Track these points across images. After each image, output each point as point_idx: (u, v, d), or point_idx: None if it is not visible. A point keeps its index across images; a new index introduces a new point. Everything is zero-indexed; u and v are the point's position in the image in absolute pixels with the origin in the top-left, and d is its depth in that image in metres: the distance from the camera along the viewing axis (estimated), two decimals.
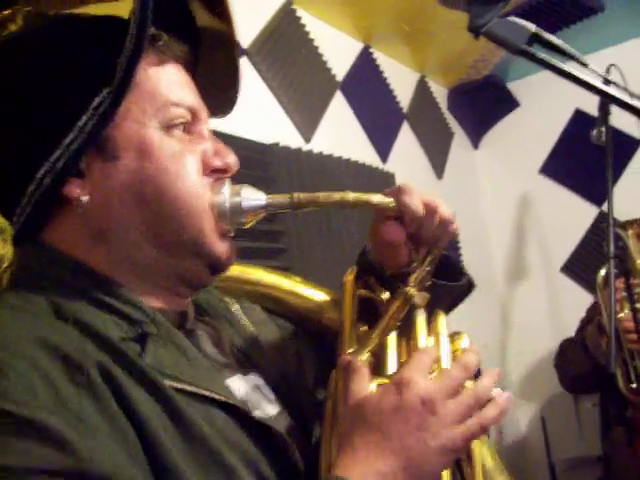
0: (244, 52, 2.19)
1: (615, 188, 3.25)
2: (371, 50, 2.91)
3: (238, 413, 0.71)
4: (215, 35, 0.80)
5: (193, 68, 0.80)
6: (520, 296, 3.55)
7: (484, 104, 3.70)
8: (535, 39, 1.08)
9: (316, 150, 2.34)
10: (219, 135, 1.91)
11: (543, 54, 1.09)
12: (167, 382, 0.67)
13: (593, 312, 2.55)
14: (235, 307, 0.87)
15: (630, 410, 2.30)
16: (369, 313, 0.85)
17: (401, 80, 3.11)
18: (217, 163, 0.77)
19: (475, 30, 1.04)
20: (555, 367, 2.64)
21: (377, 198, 0.82)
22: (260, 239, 2.04)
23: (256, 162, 2.06)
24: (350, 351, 0.78)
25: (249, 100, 2.18)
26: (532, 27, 1.07)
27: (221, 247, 0.77)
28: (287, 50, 2.37)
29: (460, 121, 3.63)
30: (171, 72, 0.75)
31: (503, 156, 3.69)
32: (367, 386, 0.71)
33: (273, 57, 2.29)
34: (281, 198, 0.79)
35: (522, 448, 3.51)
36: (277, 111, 2.28)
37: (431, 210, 0.83)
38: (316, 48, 2.52)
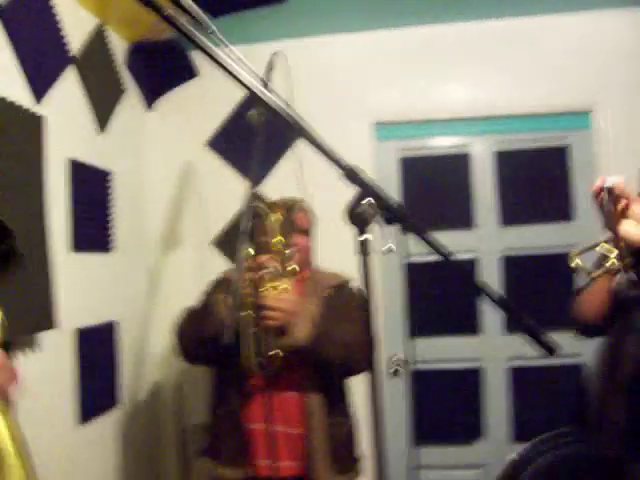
0: None
1: (276, 169, 3.46)
2: None
3: None
4: None
5: None
6: (170, 264, 3.57)
7: (163, 67, 3.63)
8: None
9: None
10: None
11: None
12: None
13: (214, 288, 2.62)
14: None
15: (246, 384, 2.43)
16: None
17: (76, 22, 2.90)
18: None
19: None
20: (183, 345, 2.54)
21: None
22: None
23: None
24: None
25: None
26: None
27: None
28: None
29: (136, 79, 3.52)
30: None
31: (175, 123, 3.67)
32: None
33: None
34: None
35: (156, 414, 3.53)
36: None
37: None
38: None
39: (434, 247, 1.16)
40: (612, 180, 1.44)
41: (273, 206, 2.42)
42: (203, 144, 3.63)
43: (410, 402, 3.50)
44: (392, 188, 3.57)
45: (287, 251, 2.32)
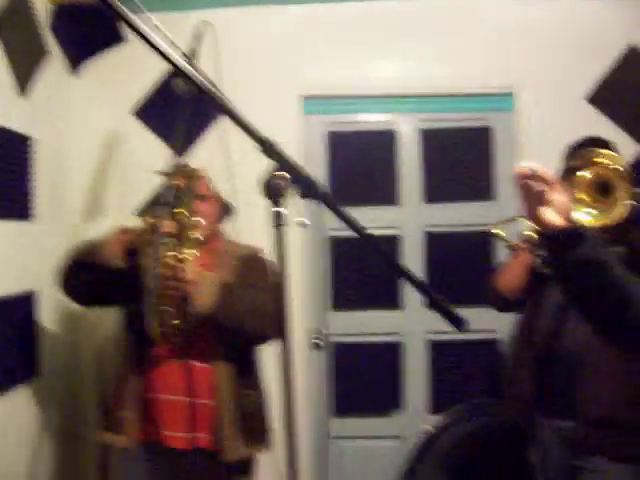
0: None
1: (203, 138, 3.44)
2: None
3: None
4: None
5: None
6: (93, 234, 3.49)
7: (89, 31, 3.54)
8: None
9: None
10: None
11: None
12: None
13: None
14: None
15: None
16: None
17: None
18: None
19: None
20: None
21: None
22: None
23: None
24: None
25: None
26: None
27: None
28: None
29: (61, 42, 3.42)
30: None
31: (101, 89, 3.58)
32: None
33: None
34: None
35: (77, 385, 3.49)
36: None
37: None
38: None
39: (348, 222, 1.18)
40: (533, 165, 1.48)
41: (173, 174, 2.38)
42: (129, 112, 3.56)
43: (331, 374, 3.55)
44: (318, 162, 3.59)
45: (190, 219, 2.32)
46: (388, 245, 3.53)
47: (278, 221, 1.13)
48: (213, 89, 1.18)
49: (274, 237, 1.14)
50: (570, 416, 2.39)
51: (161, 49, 1.13)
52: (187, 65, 1.16)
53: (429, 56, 3.53)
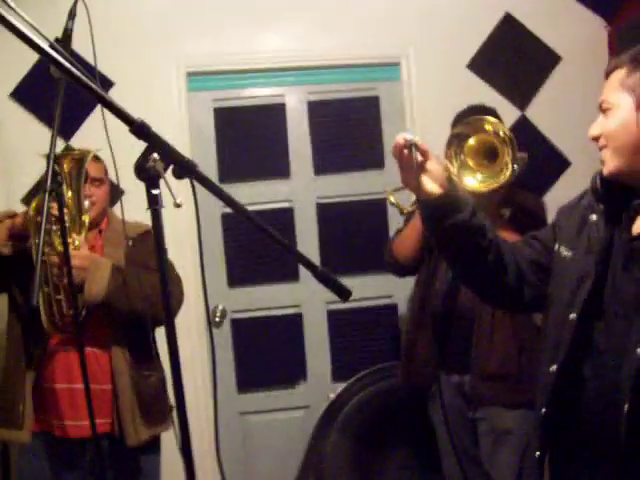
0: None
1: (87, 122, 3.33)
2: None
3: None
4: None
5: None
6: None
7: None
8: None
9: None
10: None
11: None
12: None
13: None
14: None
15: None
16: None
17: None
18: None
19: None
20: None
21: None
22: None
23: None
24: None
25: None
26: None
27: None
28: None
29: None
30: None
31: None
32: None
33: None
34: None
35: None
36: None
37: None
38: None
39: (225, 199, 1.19)
40: (409, 136, 1.52)
41: (63, 158, 2.31)
42: (7, 95, 3.41)
43: (233, 351, 3.56)
44: (206, 139, 3.55)
45: (79, 203, 2.26)
46: (281, 218, 3.55)
47: (153, 203, 1.12)
48: (81, 72, 1.16)
49: (151, 219, 1.13)
50: (467, 371, 2.52)
51: (24, 33, 1.09)
52: (51, 48, 1.13)
53: (315, 27, 3.53)
